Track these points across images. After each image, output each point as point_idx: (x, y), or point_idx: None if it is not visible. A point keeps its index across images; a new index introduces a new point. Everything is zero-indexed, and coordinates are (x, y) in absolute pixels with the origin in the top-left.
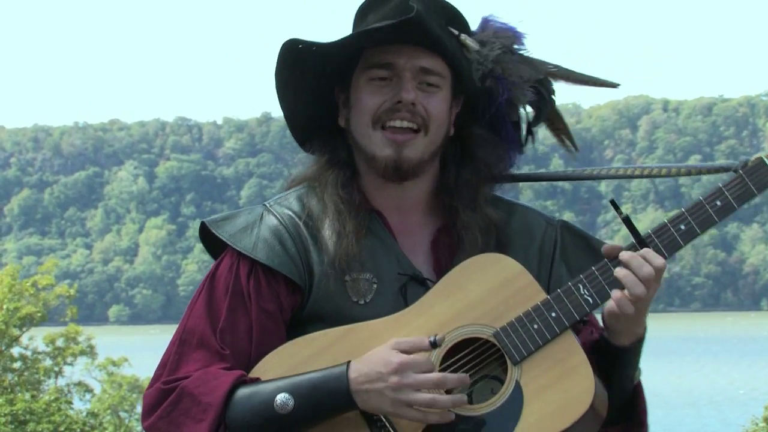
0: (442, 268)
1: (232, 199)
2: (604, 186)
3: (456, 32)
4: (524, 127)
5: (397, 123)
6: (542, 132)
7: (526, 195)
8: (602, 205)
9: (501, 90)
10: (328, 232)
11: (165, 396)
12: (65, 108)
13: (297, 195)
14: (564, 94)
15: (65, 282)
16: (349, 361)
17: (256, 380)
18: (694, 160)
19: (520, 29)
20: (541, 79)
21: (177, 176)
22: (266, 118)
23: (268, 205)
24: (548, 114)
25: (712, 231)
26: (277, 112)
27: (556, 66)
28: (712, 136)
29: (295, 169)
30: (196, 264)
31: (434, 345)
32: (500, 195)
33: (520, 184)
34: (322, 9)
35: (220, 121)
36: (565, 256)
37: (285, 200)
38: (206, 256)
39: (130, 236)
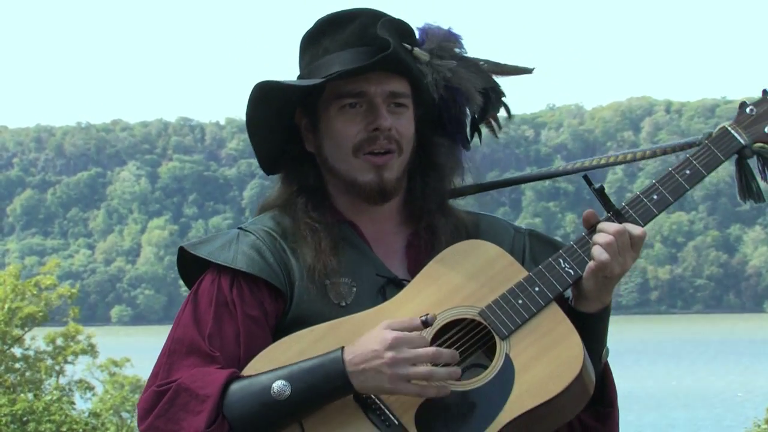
0: (416, 272)
1: (234, 200)
2: (607, 187)
3: (409, 47)
4: (468, 124)
5: (377, 149)
6: (545, 134)
7: (528, 197)
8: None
9: (456, 98)
10: (303, 248)
11: (160, 396)
12: (68, 108)
13: (270, 216)
14: (567, 96)
15: (67, 282)
16: (342, 346)
17: (250, 376)
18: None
19: (455, 31)
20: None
21: (179, 177)
22: None
23: (243, 228)
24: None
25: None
26: None
27: (485, 61)
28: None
29: (263, 197)
30: None
31: (426, 324)
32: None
33: (522, 186)
34: (324, 9)
35: (222, 122)
36: (536, 260)
37: (259, 221)
38: None
39: (133, 237)
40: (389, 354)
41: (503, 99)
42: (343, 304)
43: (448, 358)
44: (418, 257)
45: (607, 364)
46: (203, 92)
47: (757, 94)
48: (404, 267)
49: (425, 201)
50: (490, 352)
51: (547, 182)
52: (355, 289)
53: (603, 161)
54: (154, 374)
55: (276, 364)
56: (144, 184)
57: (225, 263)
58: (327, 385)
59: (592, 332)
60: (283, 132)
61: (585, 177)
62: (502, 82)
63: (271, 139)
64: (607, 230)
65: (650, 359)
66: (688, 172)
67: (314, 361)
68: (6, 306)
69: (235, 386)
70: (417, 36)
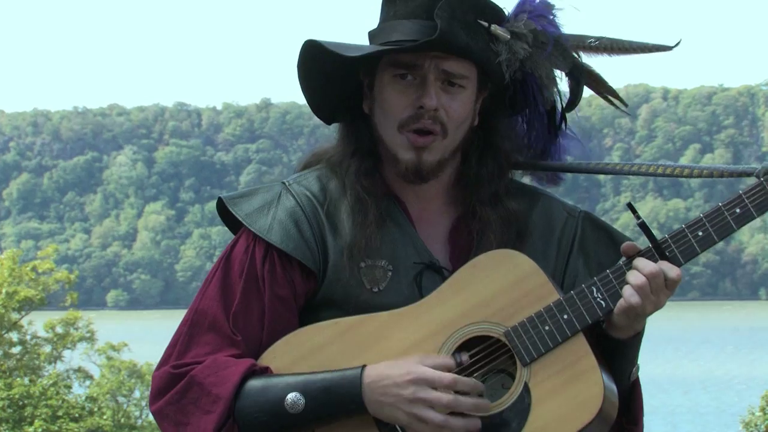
0: (458, 258)
1: (231, 185)
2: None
3: (486, 24)
4: (559, 111)
5: (419, 127)
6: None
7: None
8: (601, 194)
9: (530, 84)
10: (346, 218)
11: (174, 381)
12: (64, 92)
13: (317, 175)
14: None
15: (64, 266)
16: (364, 366)
17: (267, 370)
18: (693, 149)
19: (555, 8)
20: (573, 68)
21: (176, 161)
22: (266, 104)
23: (287, 183)
24: (590, 85)
25: None
26: (277, 98)
27: (597, 39)
28: (711, 126)
29: (313, 147)
30: (194, 250)
31: (459, 365)
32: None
33: (517, 173)
34: None
35: (219, 107)
36: (584, 248)
37: (305, 180)
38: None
39: (129, 221)
40: (409, 390)
41: (582, 84)
42: (376, 289)
43: (469, 407)
44: (459, 244)
45: (637, 381)
46: (200, 77)
47: (755, 82)
48: (445, 253)
49: (477, 187)
50: (514, 364)
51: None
52: (390, 273)
53: (660, 170)
54: (173, 344)
55: (296, 354)
56: (140, 168)
57: (260, 233)
58: (342, 405)
59: (623, 355)
60: (342, 84)
61: (629, 205)
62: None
63: (327, 90)
64: (642, 270)
65: (647, 346)
66: (738, 210)
67: (332, 377)
68: (3, 290)
69: (249, 388)
70: (512, 9)
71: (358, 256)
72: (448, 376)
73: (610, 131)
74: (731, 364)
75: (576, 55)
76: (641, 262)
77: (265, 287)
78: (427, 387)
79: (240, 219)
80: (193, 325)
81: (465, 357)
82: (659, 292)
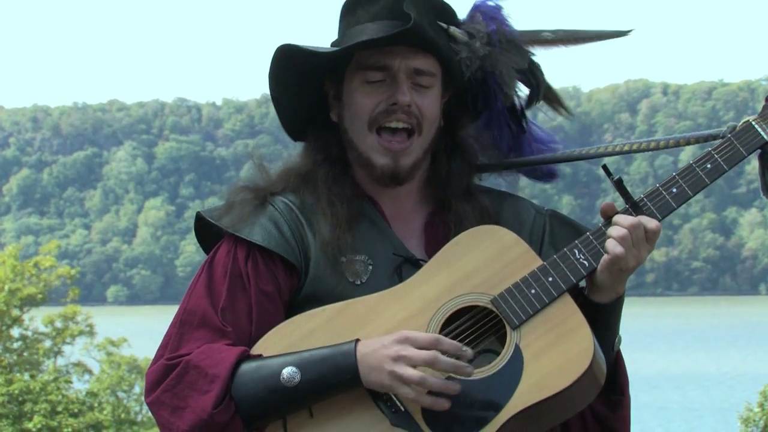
0: (434, 251)
1: (230, 180)
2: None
3: (445, 26)
4: (519, 108)
5: (393, 124)
6: (540, 116)
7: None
8: (601, 189)
9: (491, 84)
10: (322, 220)
11: (169, 371)
12: (64, 88)
13: (291, 187)
14: (563, 78)
15: (64, 262)
16: (358, 339)
17: (260, 357)
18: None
19: (505, 9)
20: (529, 64)
21: (176, 157)
22: (266, 100)
23: (263, 196)
24: (543, 92)
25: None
26: None
27: (553, 32)
28: (711, 120)
29: (285, 160)
30: (194, 245)
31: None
32: (490, 186)
33: (518, 168)
34: None
35: (219, 102)
36: (555, 242)
37: (278, 190)
38: None
39: (129, 217)
40: (394, 348)
41: (543, 81)
42: (358, 282)
43: (448, 367)
44: (436, 237)
45: (619, 352)
46: (200, 73)
47: (755, 77)
48: (421, 246)
49: (450, 185)
50: (502, 340)
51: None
52: (371, 267)
53: (626, 147)
54: (164, 344)
55: (287, 342)
56: (140, 164)
57: (242, 236)
58: (337, 377)
59: (605, 322)
60: (309, 98)
61: (604, 167)
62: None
63: (295, 105)
64: (622, 223)
65: (645, 341)
66: (709, 166)
67: (326, 351)
68: (6, 287)
69: (245, 368)
70: (466, 13)
71: (338, 251)
72: (430, 335)
73: (610, 126)
74: (729, 359)
75: (530, 51)
76: (620, 217)
77: (250, 284)
78: (409, 345)
79: (222, 227)
80: (183, 324)
81: (468, 350)
82: (640, 244)
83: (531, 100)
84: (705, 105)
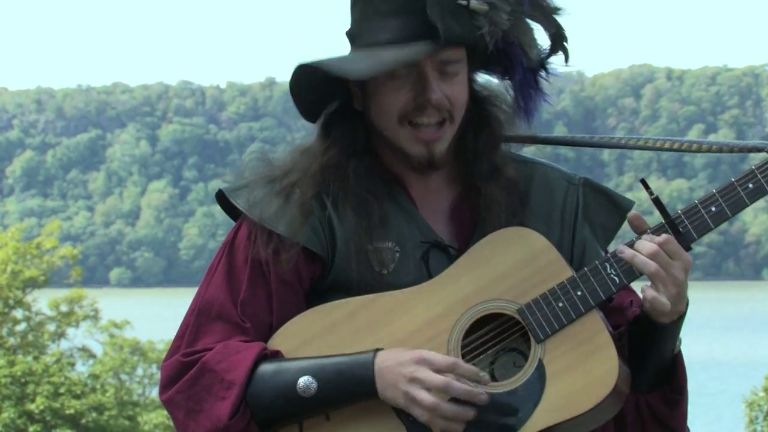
0: (462, 235)
1: (234, 164)
2: (606, 154)
3: (465, 2)
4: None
5: (425, 120)
6: (543, 103)
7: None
8: (604, 173)
9: (513, 52)
10: (350, 203)
11: (185, 369)
12: (68, 70)
13: (317, 175)
14: (568, 63)
15: (67, 244)
16: (377, 349)
17: (278, 354)
18: (697, 129)
19: None
20: (554, 22)
21: (179, 140)
22: (270, 83)
23: (289, 181)
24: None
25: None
26: (281, 77)
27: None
28: (715, 106)
29: (300, 145)
30: (197, 228)
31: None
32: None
33: (524, 151)
34: None
35: (223, 85)
36: (588, 216)
37: (305, 174)
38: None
39: (132, 199)
40: (410, 369)
41: (565, 44)
42: (385, 271)
43: (460, 393)
44: (463, 220)
45: (679, 352)
46: (204, 56)
47: (759, 62)
48: (449, 230)
49: (476, 161)
50: (527, 343)
51: (548, 148)
52: (398, 254)
53: (668, 145)
54: (180, 334)
55: (303, 337)
56: (144, 146)
57: (264, 223)
58: (354, 388)
59: (669, 337)
60: (328, 84)
61: (643, 181)
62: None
63: (314, 89)
64: (651, 239)
65: None
66: (751, 186)
67: (344, 361)
68: (9, 268)
69: (261, 372)
70: None
71: (366, 239)
72: (448, 359)
73: (614, 111)
74: (733, 344)
75: (553, 7)
76: (646, 236)
77: (270, 273)
78: (426, 368)
79: (243, 210)
80: (201, 314)
81: (486, 377)
82: (672, 263)
83: (551, 54)
84: (709, 90)
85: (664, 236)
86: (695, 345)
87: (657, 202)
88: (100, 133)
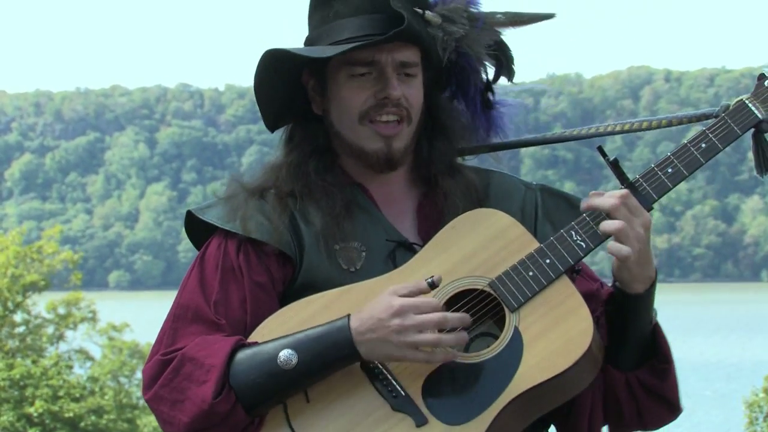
0: (428, 234)
1: (233, 166)
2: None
3: (421, 11)
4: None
5: (384, 117)
6: (544, 101)
7: (527, 164)
8: (603, 176)
9: (466, 62)
10: (314, 210)
11: (165, 365)
12: (67, 73)
13: (280, 178)
14: (566, 64)
15: (66, 247)
16: (349, 314)
17: (255, 343)
18: (695, 131)
19: None
20: (499, 41)
21: (178, 142)
22: None
23: (252, 190)
24: (513, 70)
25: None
26: None
27: (503, 14)
28: (714, 107)
29: (270, 156)
30: None
31: (432, 286)
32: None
33: (521, 154)
34: None
35: (221, 88)
36: (549, 216)
37: (268, 183)
38: None
39: (131, 202)
40: (396, 321)
41: (512, 65)
42: (353, 269)
43: (456, 323)
44: (428, 220)
45: (657, 324)
46: (203, 58)
47: (757, 64)
48: (414, 230)
49: (434, 164)
50: (500, 323)
51: (546, 150)
52: (364, 253)
53: (618, 128)
54: (159, 340)
55: (285, 329)
56: (142, 149)
57: (232, 229)
58: (334, 353)
59: (644, 308)
60: (288, 91)
61: (599, 148)
62: (518, 38)
63: (276, 97)
64: (611, 195)
65: None
66: (703, 145)
67: (321, 330)
68: (9, 272)
69: (241, 355)
70: None
71: (332, 239)
72: (432, 301)
73: (612, 113)
74: (732, 345)
75: (498, 30)
76: (608, 193)
77: (243, 275)
78: (412, 314)
79: (211, 222)
80: (177, 319)
81: (437, 276)
82: (633, 218)
83: (498, 76)
84: (707, 92)
85: (624, 190)
86: (695, 346)
87: (615, 166)
88: (99, 136)
